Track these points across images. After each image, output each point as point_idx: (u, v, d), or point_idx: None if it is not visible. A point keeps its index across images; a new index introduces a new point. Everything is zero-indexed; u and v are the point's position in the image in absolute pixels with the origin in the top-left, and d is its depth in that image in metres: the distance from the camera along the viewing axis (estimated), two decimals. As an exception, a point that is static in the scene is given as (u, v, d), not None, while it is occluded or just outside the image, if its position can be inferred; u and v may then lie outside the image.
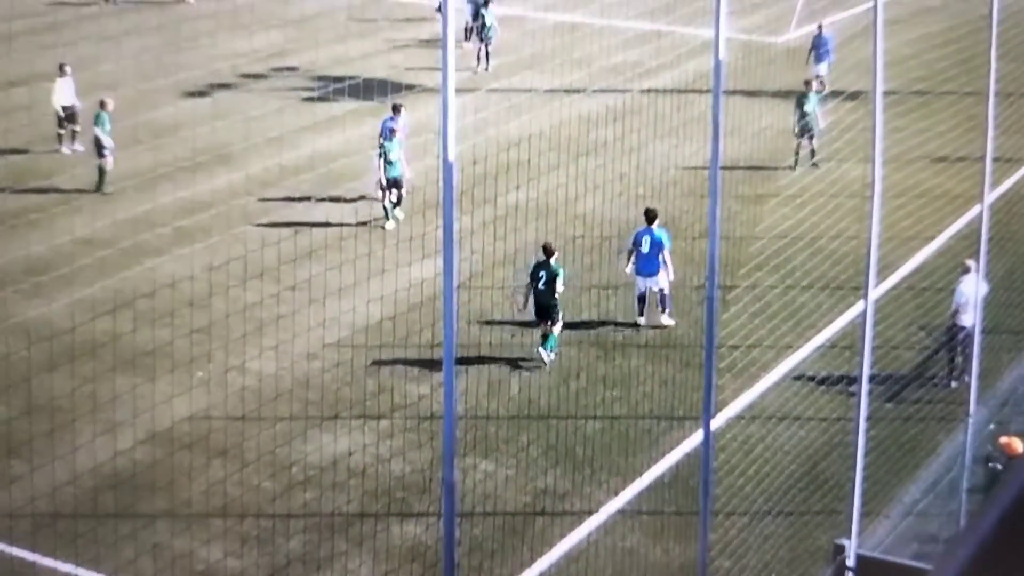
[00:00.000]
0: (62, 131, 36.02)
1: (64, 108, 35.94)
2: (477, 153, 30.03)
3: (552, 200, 30.94)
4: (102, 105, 33.57)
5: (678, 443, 22.39)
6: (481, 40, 44.34)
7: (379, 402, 23.10)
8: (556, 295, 25.35)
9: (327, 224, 29.86)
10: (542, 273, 25.50)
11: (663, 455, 22.19)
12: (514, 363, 25.00)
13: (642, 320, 26.55)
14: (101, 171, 33.01)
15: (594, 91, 39.28)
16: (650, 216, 26.77)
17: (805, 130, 34.58)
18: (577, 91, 39.59)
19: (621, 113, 38.82)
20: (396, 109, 32.78)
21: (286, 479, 21.17)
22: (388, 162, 30.99)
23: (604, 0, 49.75)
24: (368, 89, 36.68)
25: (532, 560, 19.56)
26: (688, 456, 21.80)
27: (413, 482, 21.25)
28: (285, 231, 27.77)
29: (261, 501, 20.53)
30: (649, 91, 40.06)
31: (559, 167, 31.77)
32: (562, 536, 20.15)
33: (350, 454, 21.70)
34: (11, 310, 25.98)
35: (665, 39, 45.15)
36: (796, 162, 34.67)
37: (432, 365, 23.97)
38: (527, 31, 47.85)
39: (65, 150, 35.92)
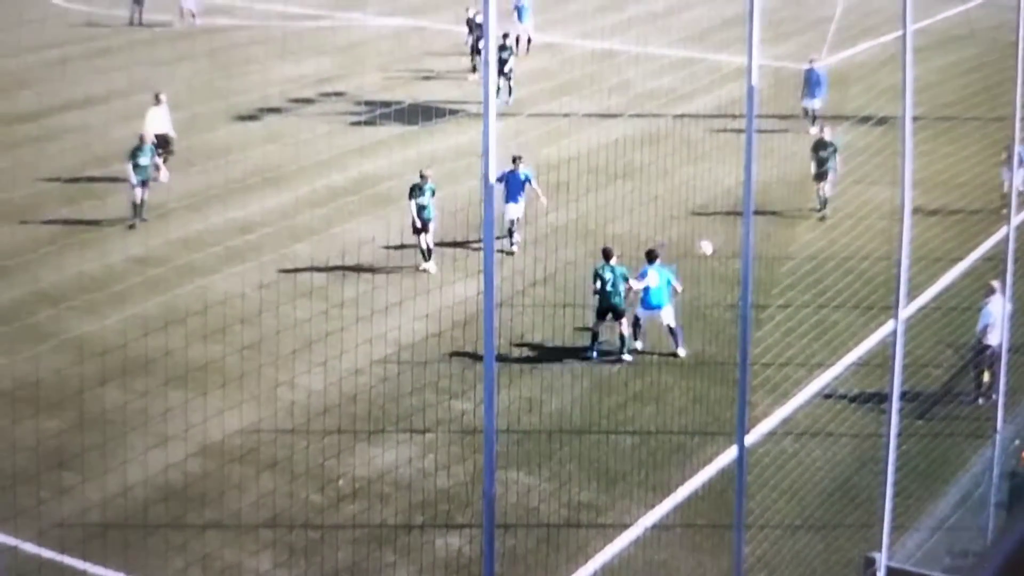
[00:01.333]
0: (156, 159, 35.67)
1: (158, 136, 35.73)
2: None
3: (590, 222, 31.45)
4: (141, 139, 33.65)
5: (712, 458, 22.66)
6: (501, 73, 43.68)
7: (424, 417, 23.57)
8: (622, 295, 26.11)
9: (371, 270, 30.37)
10: (609, 275, 26.13)
11: (697, 470, 22.47)
12: (552, 379, 25.34)
13: (639, 344, 26.91)
14: (138, 202, 33.07)
15: (630, 116, 39.75)
16: (651, 256, 27.01)
17: (822, 175, 33.92)
18: (614, 116, 40.04)
19: (656, 138, 39.30)
20: (515, 161, 31.48)
21: (334, 492, 21.53)
22: (421, 205, 30.42)
23: (641, 28, 50.27)
24: (413, 114, 37.30)
25: (570, 572, 19.81)
26: (722, 471, 22.06)
27: (456, 495, 21.56)
28: (332, 251, 28.28)
29: (309, 513, 20.92)
30: (683, 116, 40.51)
31: (596, 190, 32.26)
32: (599, 549, 20.39)
33: (396, 468, 22.17)
34: (64, 326, 26.41)
35: (699, 66, 45.58)
36: (821, 205, 34.12)
37: (474, 381, 24.37)
38: (565, 58, 48.36)
39: (162, 179, 35.92)
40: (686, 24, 52.35)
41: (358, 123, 39.13)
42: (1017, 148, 24.52)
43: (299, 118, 41.87)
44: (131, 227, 32.43)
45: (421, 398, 24.04)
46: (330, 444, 22.00)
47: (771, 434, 23.12)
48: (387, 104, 41.62)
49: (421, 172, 30.75)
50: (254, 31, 52.69)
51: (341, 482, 21.82)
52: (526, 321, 27.25)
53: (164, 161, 36.09)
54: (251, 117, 41.46)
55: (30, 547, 19.58)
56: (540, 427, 23.51)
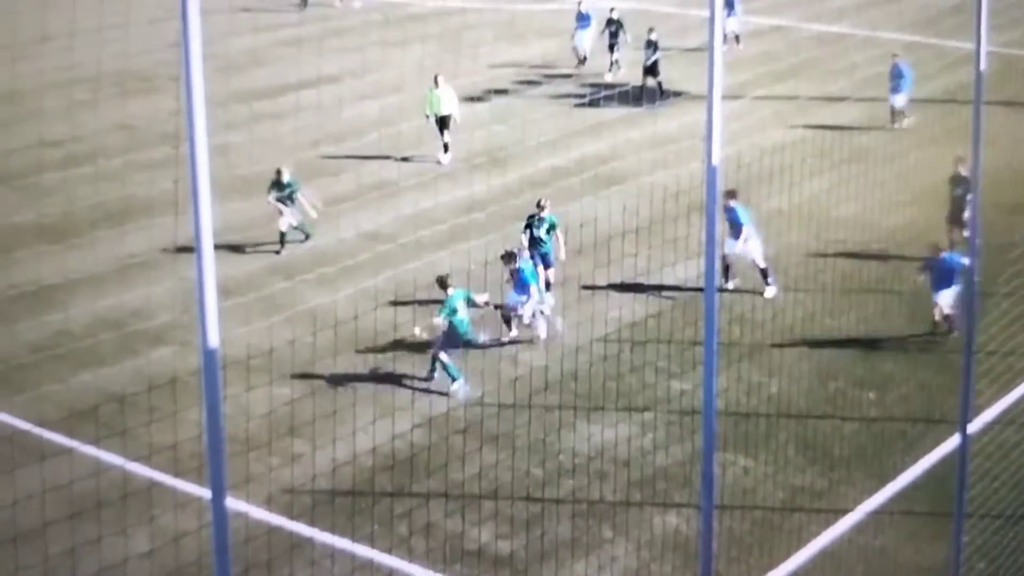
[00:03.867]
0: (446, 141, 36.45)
1: (441, 118, 36.41)
2: (741, 158, 30.62)
3: (813, 205, 31.33)
4: (279, 173, 30.95)
5: (933, 446, 22.45)
6: (653, 74, 43.36)
7: (643, 396, 23.82)
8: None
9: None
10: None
11: (918, 458, 22.28)
12: (772, 362, 25.30)
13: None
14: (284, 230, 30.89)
15: (856, 100, 39.48)
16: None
17: (956, 217, 30.03)
18: (840, 99, 39.79)
19: (883, 122, 38.96)
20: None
21: (554, 466, 21.80)
22: (539, 239, 28.01)
23: (870, 12, 49.76)
24: (637, 96, 37.52)
25: (788, 555, 19.81)
26: (943, 460, 21.80)
27: (674, 474, 21.70)
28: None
29: (530, 486, 21.25)
30: (912, 100, 40.06)
31: (821, 173, 32.14)
32: (816, 533, 20.34)
33: (616, 445, 22.35)
34: (298, 298, 27.30)
35: (928, 51, 44.98)
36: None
37: (693, 362, 24.37)
38: (792, 41, 48.11)
39: (442, 160, 36.40)
40: (916, 8, 51.68)
41: (582, 104, 39.48)
42: None
43: (525, 99, 42.37)
44: (276, 253, 30.72)
45: (640, 377, 24.24)
46: (551, 420, 22.33)
47: (994, 423, 22.80)
48: (611, 86, 41.95)
49: (539, 202, 28.45)
50: (484, 13, 53.37)
51: (561, 457, 22.10)
52: (746, 303, 27.29)
53: (445, 144, 36.50)
54: (479, 98, 42.08)
55: (260, 512, 20.21)
56: (759, 410, 23.55)
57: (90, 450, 20.78)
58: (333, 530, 19.91)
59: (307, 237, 31.01)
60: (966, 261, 24.81)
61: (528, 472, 21.68)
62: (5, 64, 38.52)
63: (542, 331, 25.95)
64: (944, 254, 26.31)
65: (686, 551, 19.72)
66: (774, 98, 39.89)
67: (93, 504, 18.24)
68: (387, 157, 35.89)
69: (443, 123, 36.46)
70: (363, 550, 19.58)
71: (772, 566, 19.63)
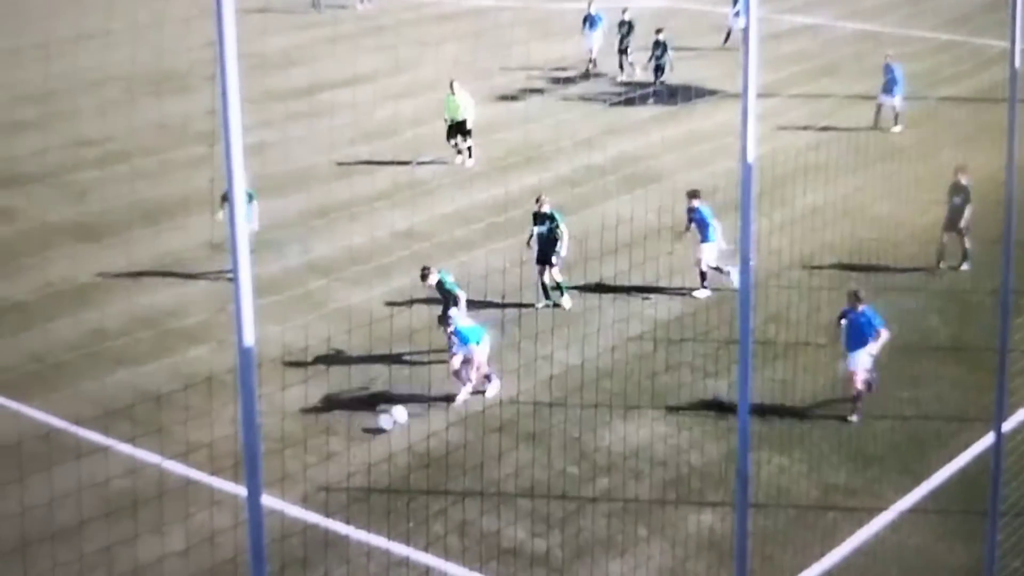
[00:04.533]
0: (457, 145, 36.52)
1: (456, 123, 36.45)
2: (776, 156, 30.63)
3: (848, 203, 31.26)
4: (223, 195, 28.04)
5: (968, 445, 22.41)
6: (658, 75, 43.06)
7: (678, 395, 23.86)
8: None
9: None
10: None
11: (952, 456, 22.24)
12: (807, 361, 25.29)
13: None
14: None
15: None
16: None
17: (953, 224, 29.86)
18: (873, 97, 39.74)
19: (917, 120, 38.83)
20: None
21: (589, 465, 21.87)
22: (540, 235, 27.83)
23: (903, 10, 49.66)
24: (672, 93, 37.50)
25: (822, 553, 19.80)
26: (977, 458, 21.76)
27: (709, 473, 21.72)
28: (590, 229, 28.57)
29: (565, 485, 21.30)
30: (946, 99, 39.98)
31: (855, 171, 32.07)
32: (851, 532, 20.34)
33: (651, 444, 22.32)
34: (334, 296, 27.43)
35: (962, 48, 44.87)
36: (951, 259, 29.98)
37: (728, 361, 24.40)
38: (827, 39, 48.04)
39: (457, 161, 36.45)
40: (949, 6, 51.55)
41: (617, 103, 39.50)
42: None
43: (559, 98, 42.38)
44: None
45: (676, 376, 24.26)
46: (586, 418, 22.38)
47: (1029, 421, 22.77)
48: (645, 85, 41.95)
49: (537, 198, 28.16)
50: (518, 12, 53.48)
51: (597, 456, 22.14)
52: (781, 302, 27.26)
53: (468, 148, 36.54)
54: (513, 97, 42.15)
55: (296, 510, 20.28)
56: (794, 408, 23.56)
57: (126, 448, 20.88)
58: (369, 528, 19.98)
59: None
60: (883, 330, 23.57)
61: (563, 471, 21.73)
62: (41, 63, 38.80)
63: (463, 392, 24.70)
64: (862, 306, 23.70)
65: (721, 549, 19.74)
66: (808, 96, 39.83)
67: (129, 502, 18.38)
68: (412, 159, 35.96)
69: (460, 128, 36.45)
70: (399, 548, 19.61)
71: (806, 564, 19.63)
